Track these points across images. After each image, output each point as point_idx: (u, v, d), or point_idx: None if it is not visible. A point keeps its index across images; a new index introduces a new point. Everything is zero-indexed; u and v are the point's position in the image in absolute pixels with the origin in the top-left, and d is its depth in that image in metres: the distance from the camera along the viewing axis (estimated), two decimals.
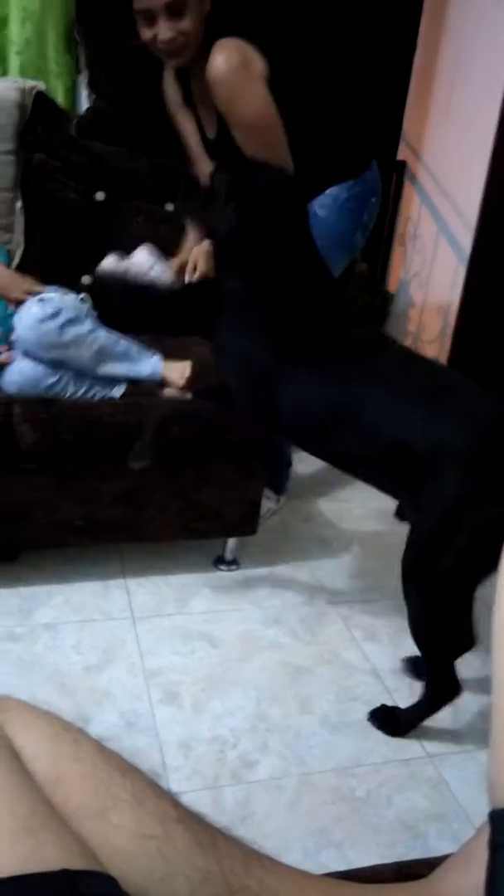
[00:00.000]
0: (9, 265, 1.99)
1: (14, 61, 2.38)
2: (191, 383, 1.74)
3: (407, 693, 1.62)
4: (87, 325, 1.71)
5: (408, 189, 3.22)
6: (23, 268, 1.98)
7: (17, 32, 2.37)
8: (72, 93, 2.45)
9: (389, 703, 1.59)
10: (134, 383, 1.78)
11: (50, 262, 2.02)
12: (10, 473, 1.71)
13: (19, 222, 2.03)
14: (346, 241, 1.95)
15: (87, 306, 1.83)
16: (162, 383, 1.79)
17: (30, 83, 2.14)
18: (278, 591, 1.90)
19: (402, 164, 3.19)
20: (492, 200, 2.70)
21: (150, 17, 1.64)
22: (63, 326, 1.67)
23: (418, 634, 1.42)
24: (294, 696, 1.59)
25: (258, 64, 1.67)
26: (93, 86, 2.17)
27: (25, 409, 1.65)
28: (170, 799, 0.72)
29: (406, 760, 1.46)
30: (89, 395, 1.74)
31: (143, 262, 1.87)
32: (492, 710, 0.48)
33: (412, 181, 3.19)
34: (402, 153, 3.21)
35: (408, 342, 3.28)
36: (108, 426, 1.70)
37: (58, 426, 1.67)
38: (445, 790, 1.40)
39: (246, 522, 1.88)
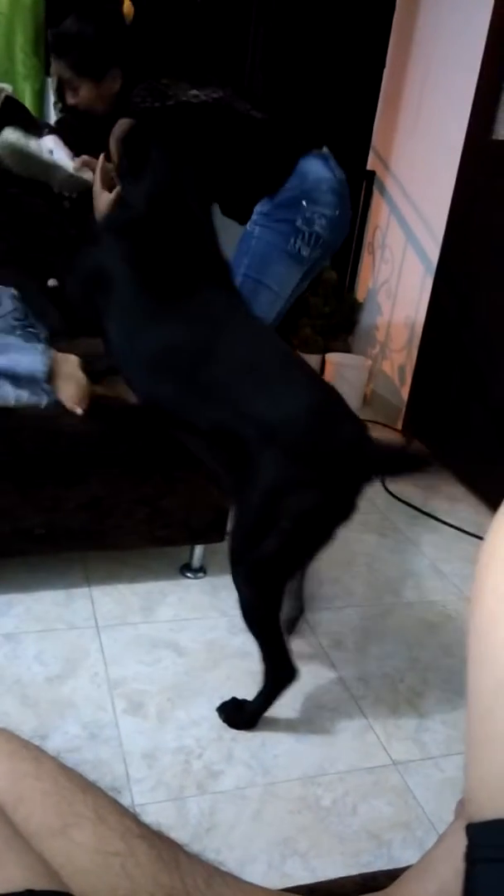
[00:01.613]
0: None
1: None
2: (85, 406, 1.65)
3: (373, 700, 1.62)
4: None
5: (376, 199, 3.25)
6: None
7: None
8: (40, 96, 2.43)
9: (356, 711, 1.59)
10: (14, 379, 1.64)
11: (15, 266, 2.00)
12: None
13: None
14: (280, 250, 1.89)
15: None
16: (49, 380, 1.64)
17: None
18: None
19: (372, 173, 3.23)
20: (458, 211, 2.74)
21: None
22: None
23: (249, 619, 1.41)
24: None
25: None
26: (59, 94, 2.15)
27: None
28: (131, 816, 0.71)
29: (371, 769, 1.46)
30: (13, 399, 1.61)
31: (49, 144, 1.98)
32: (466, 724, 0.48)
33: (381, 191, 3.23)
34: (372, 163, 3.25)
35: (376, 350, 3.32)
36: (70, 436, 1.68)
37: (18, 437, 1.64)
38: (410, 798, 1.40)
39: (213, 530, 1.87)
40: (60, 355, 1.67)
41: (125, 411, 1.73)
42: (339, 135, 2.88)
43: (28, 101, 2.34)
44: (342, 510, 1.34)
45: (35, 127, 2.17)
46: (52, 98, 2.36)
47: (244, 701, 1.53)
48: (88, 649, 1.67)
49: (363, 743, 1.52)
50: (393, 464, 1.44)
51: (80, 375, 1.67)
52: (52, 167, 1.95)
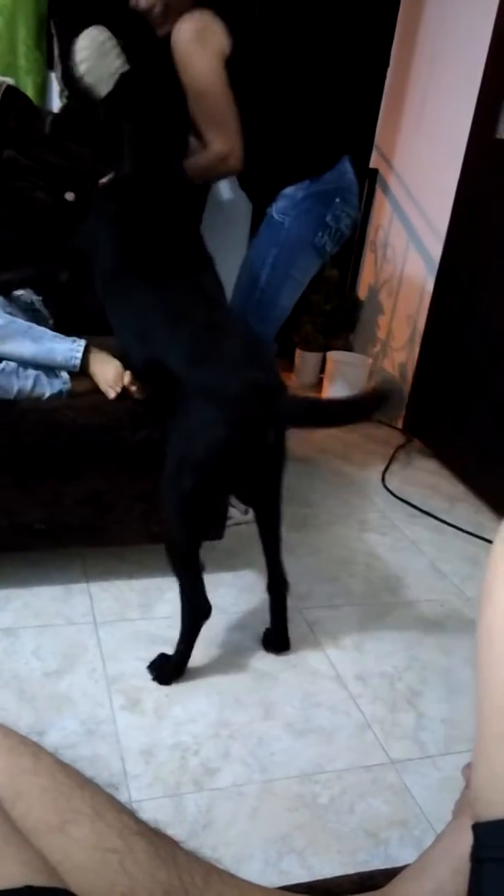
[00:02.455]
0: None
1: None
2: (118, 389, 1.71)
3: (371, 699, 1.62)
4: None
5: (379, 197, 3.25)
6: None
7: None
8: (42, 89, 2.42)
9: (354, 710, 1.59)
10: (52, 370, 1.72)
11: (15, 259, 1.99)
12: None
13: None
14: (307, 242, 1.93)
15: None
16: (84, 373, 1.73)
17: (1, 78, 2.11)
18: (244, 597, 1.88)
19: (375, 171, 3.22)
20: (461, 210, 2.73)
21: None
22: None
23: (169, 549, 1.53)
24: (258, 701, 1.57)
25: (219, 39, 1.74)
26: (66, 81, 2.15)
27: None
28: (129, 812, 0.71)
29: (368, 767, 1.46)
30: (36, 391, 1.68)
31: None
32: (477, 722, 0.47)
33: (384, 189, 3.22)
34: (375, 161, 3.24)
35: (377, 348, 3.31)
36: (70, 429, 1.67)
37: (17, 430, 1.63)
38: (407, 797, 1.40)
39: (210, 527, 1.86)
40: (93, 344, 1.74)
41: (125, 406, 1.72)
42: (343, 132, 2.88)
43: (30, 95, 2.32)
44: (247, 450, 1.43)
45: (37, 115, 2.17)
46: (55, 90, 2.35)
47: (164, 654, 1.60)
48: (86, 645, 1.67)
49: (361, 741, 1.51)
50: (302, 414, 1.54)
51: (116, 361, 1.73)
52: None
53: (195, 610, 1.55)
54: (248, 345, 1.51)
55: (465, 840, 0.62)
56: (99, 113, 1.71)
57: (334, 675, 1.68)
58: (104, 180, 1.86)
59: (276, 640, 1.70)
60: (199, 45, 1.72)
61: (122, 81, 1.69)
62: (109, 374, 1.72)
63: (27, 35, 2.36)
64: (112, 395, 1.71)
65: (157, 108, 1.69)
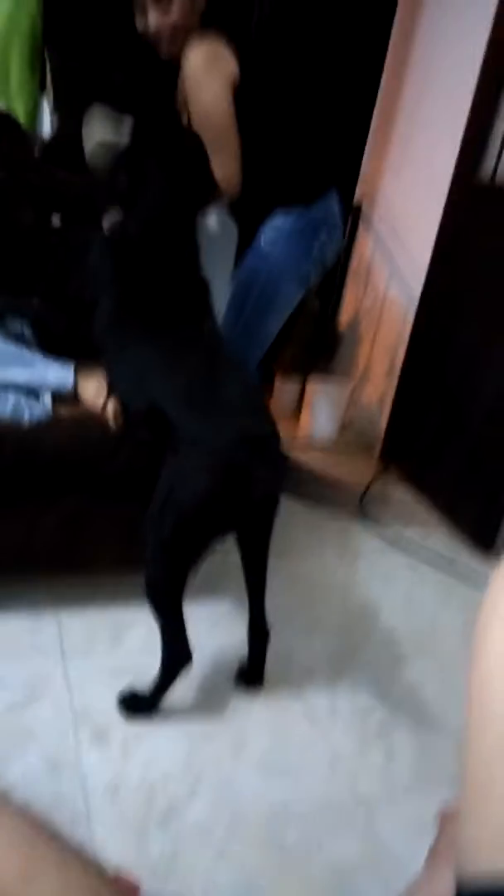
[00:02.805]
0: None
1: None
2: (106, 403, 1.71)
3: (342, 733, 1.60)
4: None
5: (362, 230, 3.28)
6: None
7: None
8: (33, 113, 2.43)
9: (324, 746, 1.57)
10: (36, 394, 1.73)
11: (2, 283, 1.98)
12: None
13: None
14: (294, 272, 1.97)
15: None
16: (75, 396, 1.74)
17: None
18: (218, 628, 1.86)
19: (359, 205, 3.26)
20: (442, 247, 2.77)
21: (143, 7, 1.76)
22: None
23: (150, 595, 1.49)
24: (227, 737, 1.55)
25: (228, 66, 1.76)
26: (58, 109, 2.16)
27: None
28: (95, 863, 0.69)
29: (337, 805, 1.44)
30: (17, 414, 1.66)
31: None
32: (464, 777, 0.46)
33: (367, 222, 3.26)
34: (360, 195, 3.28)
35: (356, 378, 3.33)
36: (48, 454, 1.66)
37: None
38: (376, 837, 1.38)
39: (199, 563, 1.84)
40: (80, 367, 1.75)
41: (105, 433, 1.71)
42: (331, 165, 2.92)
43: (21, 119, 2.32)
44: (233, 499, 1.41)
45: (27, 139, 2.17)
46: (46, 114, 2.36)
47: (136, 690, 1.56)
48: (53, 676, 1.63)
49: (330, 779, 1.49)
50: (289, 476, 1.54)
51: (98, 376, 1.74)
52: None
53: (174, 656, 1.50)
54: (244, 393, 1.48)
55: (441, 890, 0.61)
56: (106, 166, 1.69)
57: (305, 709, 1.66)
58: (108, 223, 1.89)
59: (250, 676, 1.67)
60: (209, 73, 1.73)
61: (136, 133, 1.68)
62: (92, 387, 1.72)
63: (20, 59, 2.37)
64: (100, 409, 1.70)
65: (173, 158, 1.68)
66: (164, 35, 1.78)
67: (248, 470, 1.38)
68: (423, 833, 0.71)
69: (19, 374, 1.69)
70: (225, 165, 1.78)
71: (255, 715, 1.62)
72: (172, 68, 1.83)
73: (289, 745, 1.55)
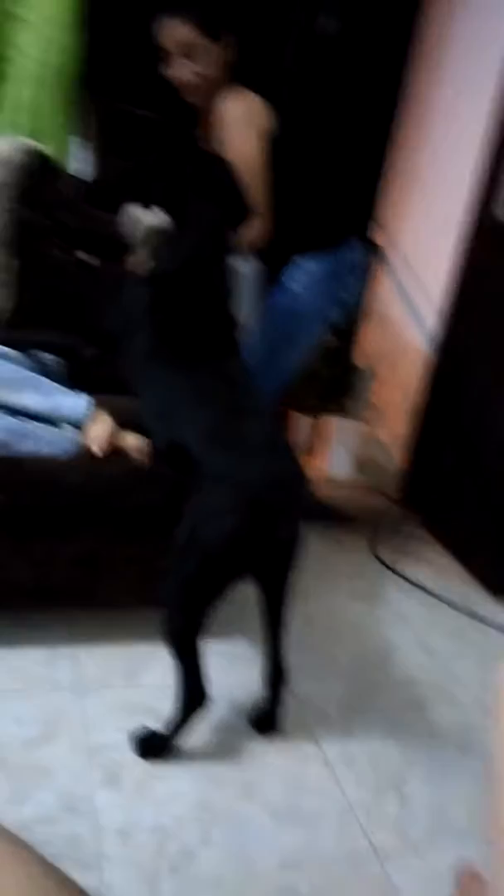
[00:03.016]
0: None
1: (11, 120, 2.42)
2: (105, 447, 1.71)
3: (356, 782, 1.59)
4: None
5: (379, 270, 3.32)
6: (7, 322, 1.98)
7: (16, 92, 2.41)
8: (66, 154, 2.49)
9: (338, 794, 1.55)
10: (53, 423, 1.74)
11: (34, 319, 2.02)
12: None
13: (8, 278, 2.03)
14: (321, 316, 2.01)
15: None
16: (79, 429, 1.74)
17: (25, 142, 2.17)
18: (234, 667, 1.85)
19: (375, 245, 3.30)
20: (459, 286, 2.80)
21: (168, 56, 1.81)
22: None
23: (168, 635, 1.47)
24: (241, 782, 1.54)
25: (263, 118, 1.80)
26: (100, 152, 2.22)
27: None
28: None
29: (351, 855, 1.42)
30: (43, 450, 1.68)
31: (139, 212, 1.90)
32: (491, 836, 0.46)
33: (384, 262, 3.30)
34: (375, 234, 3.32)
35: (372, 417, 3.34)
36: (68, 490, 1.67)
37: (17, 487, 1.63)
38: (391, 889, 1.36)
39: (218, 604, 1.84)
40: (98, 402, 1.76)
41: (126, 469, 1.73)
42: (345, 204, 2.97)
43: (54, 158, 2.39)
44: (257, 540, 1.40)
45: (59, 178, 2.22)
46: (76, 154, 2.42)
47: (153, 730, 1.55)
48: (69, 713, 1.63)
49: (344, 828, 1.48)
50: (318, 515, 1.50)
51: (108, 418, 1.74)
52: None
53: (191, 698, 1.49)
54: (269, 432, 1.48)
55: None
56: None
57: (319, 755, 1.65)
58: (133, 263, 1.92)
59: (266, 721, 1.66)
60: (247, 125, 1.77)
61: (174, 171, 1.69)
62: (97, 429, 1.72)
63: (55, 102, 2.44)
64: (98, 452, 1.69)
65: (212, 193, 1.70)
66: (189, 86, 1.83)
67: (274, 509, 1.38)
68: (439, 886, 0.71)
69: (34, 401, 1.70)
70: (256, 218, 1.80)
71: (269, 759, 1.61)
72: (200, 115, 1.89)
73: (303, 792, 1.54)
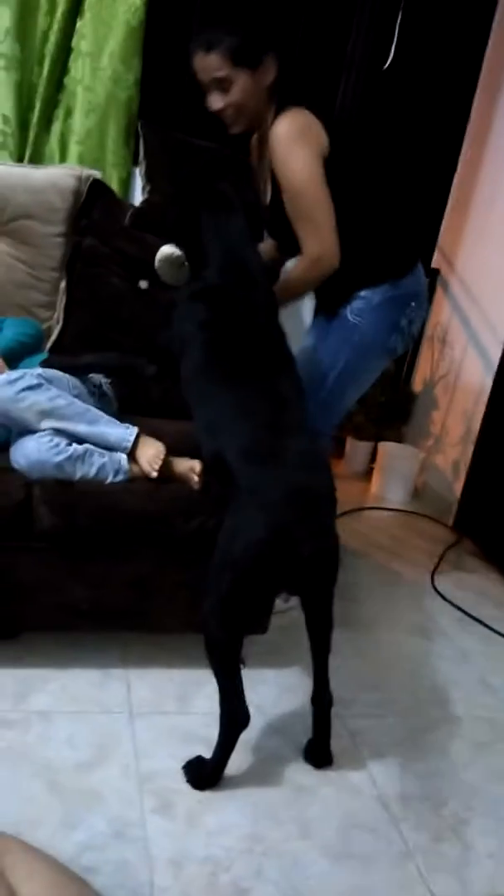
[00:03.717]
0: (43, 341, 2.03)
1: (74, 150, 2.50)
2: (160, 471, 1.72)
3: (414, 824, 1.52)
4: (48, 394, 1.70)
5: (439, 296, 3.29)
6: (58, 345, 2.01)
7: (80, 123, 2.49)
8: (126, 183, 2.55)
9: (395, 835, 1.49)
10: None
11: (85, 343, 2.05)
12: (22, 552, 1.68)
13: (61, 302, 2.08)
14: (381, 344, 1.93)
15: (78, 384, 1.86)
16: (131, 456, 1.74)
17: (87, 171, 2.24)
18: (284, 697, 1.82)
19: (436, 271, 3.27)
20: None
21: (205, 89, 1.78)
22: (21, 391, 1.67)
23: (209, 652, 1.48)
24: (294, 817, 1.49)
25: (318, 138, 1.75)
26: (149, 178, 2.25)
27: (44, 491, 1.63)
28: None
29: None
30: (99, 476, 1.70)
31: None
32: None
33: (444, 288, 3.27)
34: (437, 261, 3.30)
35: (429, 443, 3.28)
36: (125, 514, 1.68)
37: (75, 511, 1.65)
38: None
39: (254, 621, 1.82)
40: (148, 428, 1.79)
41: (180, 494, 1.73)
42: (408, 231, 2.95)
43: (115, 188, 2.46)
44: (285, 555, 1.39)
45: (120, 207, 2.27)
46: (138, 184, 2.47)
47: (206, 759, 1.53)
48: (120, 737, 1.62)
49: (402, 872, 1.42)
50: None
51: (159, 443, 1.75)
52: None
53: (232, 718, 1.48)
54: (306, 450, 1.49)
55: None
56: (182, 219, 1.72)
57: (376, 794, 1.59)
58: (144, 285, 1.94)
59: (318, 753, 1.62)
60: (299, 144, 1.72)
61: (209, 188, 1.71)
62: (149, 452, 1.73)
63: (116, 133, 2.51)
64: (152, 474, 1.71)
65: (240, 211, 1.70)
66: (228, 114, 1.78)
67: (297, 526, 1.38)
68: None
69: (81, 429, 1.72)
70: (319, 239, 1.76)
71: (323, 796, 1.56)
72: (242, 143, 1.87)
73: (359, 832, 1.49)
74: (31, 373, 1.74)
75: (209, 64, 1.72)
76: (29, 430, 1.69)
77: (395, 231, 1.97)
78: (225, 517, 1.47)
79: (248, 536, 1.39)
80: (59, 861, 0.72)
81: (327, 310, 1.97)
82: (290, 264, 1.91)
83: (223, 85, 1.74)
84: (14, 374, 1.72)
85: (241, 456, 1.46)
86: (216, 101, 1.77)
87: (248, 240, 1.69)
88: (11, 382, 1.68)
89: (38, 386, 1.70)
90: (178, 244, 1.76)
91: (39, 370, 1.78)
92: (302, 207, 1.76)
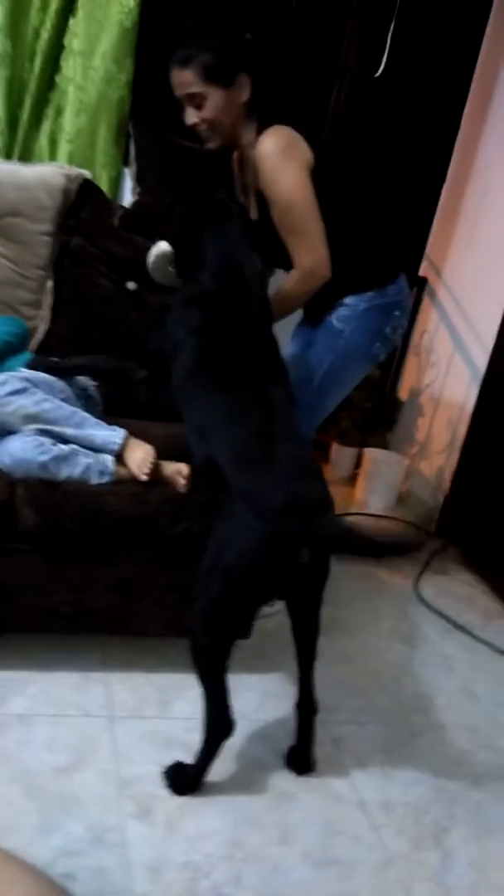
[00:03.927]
0: (28, 340, 2.01)
1: (64, 149, 2.48)
2: (149, 474, 1.71)
3: (395, 831, 1.52)
4: (33, 398, 1.69)
5: (426, 304, 3.30)
6: (45, 345, 1.99)
7: (70, 122, 2.48)
8: (116, 184, 2.54)
9: (377, 842, 1.48)
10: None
11: (72, 343, 2.04)
12: (4, 553, 1.66)
13: (47, 301, 2.06)
14: (364, 351, 1.95)
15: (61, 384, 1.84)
16: (118, 459, 1.73)
17: (76, 170, 2.22)
18: (267, 702, 1.81)
19: (423, 280, 3.29)
20: None
21: (181, 103, 1.80)
22: (6, 396, 1.66)
23: (195, 660, 1.47)
24: (275, 823, 1.48)
25: (303, 152, 1.77)
26: (140, 180, 2.24)
27: (28, 491, 1.61)
28: None
29: None
30: (83, 477, 1.68)
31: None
32: None
33: (431, 297, 3.28)
34: (424, 270, 3.31)
35: (414, 450, 3.29)
36: (110, 516, 1.66)
37: (59, 512, 1.63)
38: None
39: (245, 627, 1.80)
40: (134, 430, 1.77)
41: (167, 497, 1.71)
42: (395, 240, 2.96)
43: (104, 188, 2.44)
44: (279, 563, 1.38)
45: (109, 208, 2.26)
46: (128, 185, 2.46)
47: (181, 762, 1.52)
48: (100, 741, 1.60)
49: (382, 879, 1.41)
50: (341, 542, 1.47)
51: (148, 446, 1.74)
52: None
53: (216, 726, 1.47)
54: (299, 456, 1.47)
55: None
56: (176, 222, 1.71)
57: (358, 800, 1.58)
58: (132, 286, 1.90)
59: (300, 760, 1.61)
60: (286, 159, 1.74)
61: (204, 195, 1.70)
62: (138, 455, 1.72)
63: (107, 132, 2.49)
64: (142, 477, 1.70)
65: (238, 220, 1.70)
66: (202, 129, 1.81)
67: (294, 534, 1.36)
68: None
69: (68, 432, 1.70)
70: (311, 252, 1.77)
71: (304, 803, 1.55)
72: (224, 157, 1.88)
73: (340, 838, 1.48)
74: (16, 376, 1.72)
75: (184, 79, 1.75)
76: (14, 432, 1.67)
77: (382, 238, 1.99)
78: (216, 522, 1.45)
79: (243, 544, 1.37)
80: (39, 868, 0.70)
81: (312, 318, 1.98)
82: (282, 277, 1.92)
83: (196, 101, 1.77)
84: None
85: (234, 462, 1.44)
86: (190, 117, 1.80)
87: (245, 247, 1.68)
88: None
89: (24, 390, 1.68)
90: (175, 247, 1.75)
91: (25, 373, 1.76)
92: (293, 221, 1.77)
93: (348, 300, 1.88)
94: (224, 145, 1.87)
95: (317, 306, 1.93)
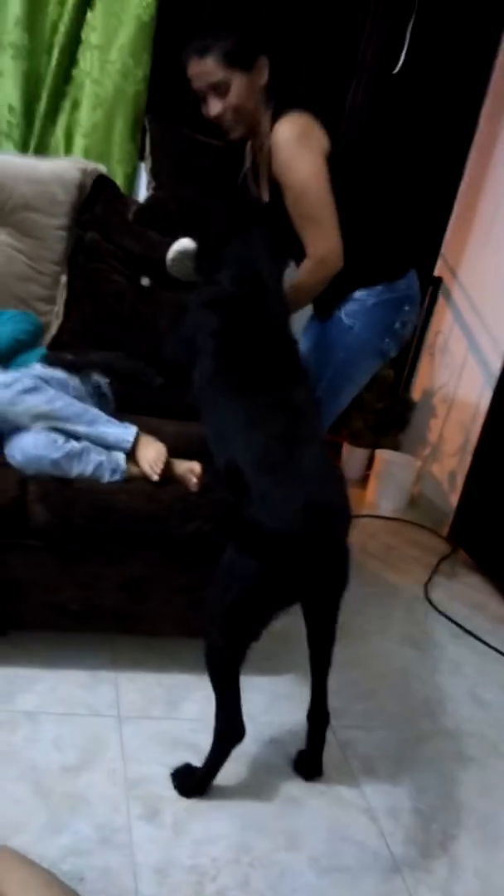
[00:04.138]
0: (41, 335, 2.00)
1: (79, 143, 2.47)
2: (161, 473, 1.69)
3: (403, 838, 1.51)
4: (45, 396, 1.68)
5: (441, 304, 3.28)
6: (57, 340, 1.98)
7: (86, 116, 2.47)
8: (131, 179, 2.53)
9: (383, 849, 1.47)
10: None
11: (85, 338, 2.03)
12: (14, 549, 1.65)
13: (62, 296, 2.05)
14: (374, 346, 1.93)
15: (75, 381, 1.83)
16: (130, 456, 1.72)
17: (91, 165, 2.21)
18: (276, 705, 1.80)
19: (438, 279, 3.27)
20: None
21: (203, 97, 1.78)
22: (18, 395, 1.65)
23: (209, 664, 1.46)
24: (282, 828, 1.47)
25: (320, 139, 1.75)
26: (155, 175, 2.22)
27: (40, 488, 1.61)
28: None
29: None
30: (95, 474, 1.67)
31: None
32: None
33: (446, 297, 3.26)
34: (440, 270, 3.29)
35: (426, 451, 3.27)
36: (121, 514, 1.66)
37: (70, 509, 1.62)
38: None
39: (260, 631, 1.79)
40: (146, 428, 1.76)
41: (179, 496, 1.70)
42: (411, 238, 2.94)
43: (119, 183, 2.43)
44: (297, 570, 1.37)
45: (124, 203, 2.25)
46: (143, 180, 2.44)
47: (189, 764, 1.52)
48: (108, 741, 1.59)
49: (389, 887, 1.40)
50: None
51: (159, 444, 1.73)
52: None
53: (227, 731, 1.46)
54: (321, 462, 1.45)
55: None
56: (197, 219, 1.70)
57: (365, 806, 1.57)
58: (146, 282, 1.88)
59: (309, 765, 1.60)
60: (303, 145, 1.72)
61: (223, 198, 1.69)
62: (150, 454, 1.71)
63: (123, 127, 2.49)
64: (154, 477, 1.69)
65: (259, 221, 1.69)
66: (227, 118, 1.78)
67: (313, 539, 1.35)
68: None
69: (80, 429, 1.69)
70: (324, 239, 1.76)
71: (312, 808, 1.54)
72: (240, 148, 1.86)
73: (347, 845, 1.47)
74: (29, 374, 1.71)
75: (204, 69, 1.72)
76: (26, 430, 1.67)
77: (393, 232, 1.97)
78: (236, 525, 1.44)
79: (261, 549, 1.36)
80: (49, 870, 0.69)
81: (322, 312, 1.97)
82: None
83: (220, 89, 1.74)
84: (10, 375, 1.69)
85: (255, 466, 1.42)
86: (214, 106, 1.77)
87: (268, 250, 1.66)
88: (8, 386, 1.65)
89: (35, 389, 1.67)
90: (200, 244, 1.73)
91: (37, 370, 1.75)
92: (307, 208, 1.76)
93: (357, 294, 1.86)
94: (243, 136, 1.85)
95: (326, 299, 1.91)
